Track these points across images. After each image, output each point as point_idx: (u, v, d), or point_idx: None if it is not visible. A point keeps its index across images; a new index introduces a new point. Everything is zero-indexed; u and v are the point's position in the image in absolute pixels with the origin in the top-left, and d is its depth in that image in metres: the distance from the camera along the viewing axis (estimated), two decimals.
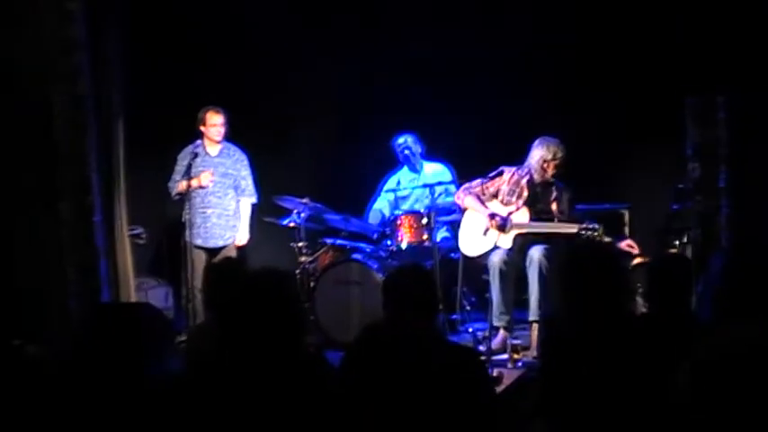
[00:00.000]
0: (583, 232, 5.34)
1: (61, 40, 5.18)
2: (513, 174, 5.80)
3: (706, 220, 6.10)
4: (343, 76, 7.26)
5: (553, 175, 5.71)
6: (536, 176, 5.72)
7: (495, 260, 5.59)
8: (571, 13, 6.78)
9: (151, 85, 6.72)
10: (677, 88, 6.08)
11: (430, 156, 6.71)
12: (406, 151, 6.58)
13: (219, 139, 6.46)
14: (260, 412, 2.57)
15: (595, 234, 5.31)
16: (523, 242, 5.63)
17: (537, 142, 5.72)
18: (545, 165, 5.65)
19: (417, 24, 7.06)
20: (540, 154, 5.68)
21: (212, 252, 6.35)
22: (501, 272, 5.56)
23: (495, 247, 5.65)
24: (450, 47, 7.02)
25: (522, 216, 5.64)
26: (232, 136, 6.64)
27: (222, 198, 6.39)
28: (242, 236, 6.48)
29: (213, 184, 6.32)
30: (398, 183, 6.69)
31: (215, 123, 6.41)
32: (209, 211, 6.33)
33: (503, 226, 5.64)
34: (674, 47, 6.29)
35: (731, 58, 5.92)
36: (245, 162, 6.55)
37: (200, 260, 6.25)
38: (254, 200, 6.55)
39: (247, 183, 6.52)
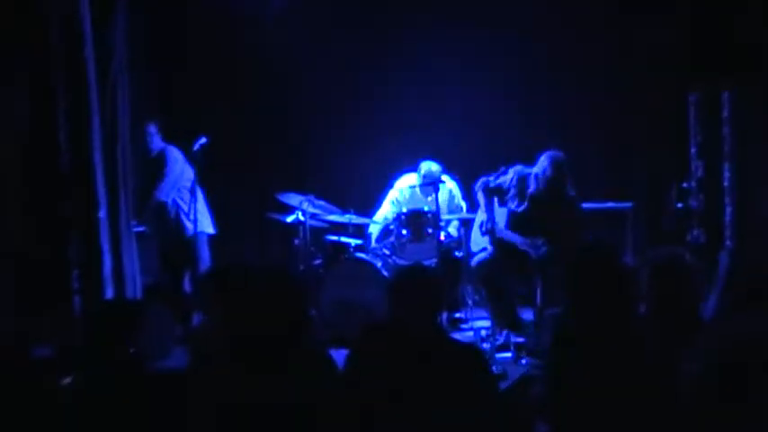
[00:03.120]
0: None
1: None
2: (524, 178, 5.47)
3: (709, 219, 6.09)
4: (351, 74, 7.25)
5: (556, 187, 5.33)
6: (541, 187, 5.35)
7: (476, 267, 5.58)
8: (573, 10, 6.76)
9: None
10: (681, 85, 6.07)
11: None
12: (427, 179, 6.29)
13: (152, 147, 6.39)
14: (264, 410, 2.58)
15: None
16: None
17: (544, 155, 5.38)
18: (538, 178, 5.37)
19: (424, 28, 7.05)
20: (539, 165, 5.38)
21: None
22: (484, 279, 5.52)
23: (482, 249, 5.64)
24: (454, 51, 7.01)
25: (500, 216, 5.56)
26: (236, 126, 6.65)
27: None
28: None
29: None
30: (401, 192, 6.60)
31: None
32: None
33: (489, 228, 5.56)
34: (678, 42, 6.27)
35: (735, 53, 5.90)
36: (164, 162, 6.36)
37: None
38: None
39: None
